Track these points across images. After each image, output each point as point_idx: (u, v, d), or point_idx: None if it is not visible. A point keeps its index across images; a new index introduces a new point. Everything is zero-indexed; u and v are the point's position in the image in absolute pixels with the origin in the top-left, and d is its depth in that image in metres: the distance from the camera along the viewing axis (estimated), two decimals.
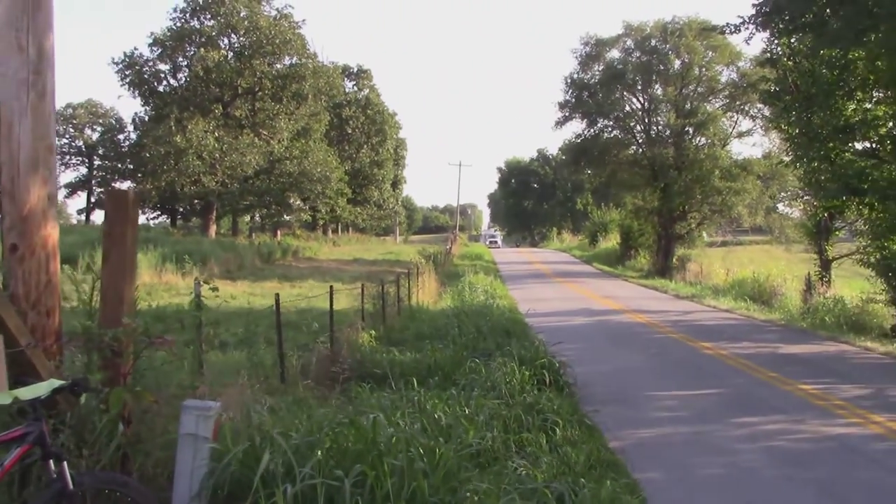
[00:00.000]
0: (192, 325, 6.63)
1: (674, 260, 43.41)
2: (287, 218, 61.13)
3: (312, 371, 10.60)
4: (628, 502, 6.14)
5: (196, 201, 54.46)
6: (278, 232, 61.72)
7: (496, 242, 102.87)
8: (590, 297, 30.21)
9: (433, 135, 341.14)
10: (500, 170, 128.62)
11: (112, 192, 5.94)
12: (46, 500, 4.11)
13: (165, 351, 5.92)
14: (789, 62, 23.12)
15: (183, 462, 5.03)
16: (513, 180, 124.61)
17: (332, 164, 58.04)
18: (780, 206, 45.51)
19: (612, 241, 60.20)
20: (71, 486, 4.15)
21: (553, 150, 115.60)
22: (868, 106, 21.52)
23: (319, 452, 4.88)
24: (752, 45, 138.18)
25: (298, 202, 56.45)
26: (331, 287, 13.75)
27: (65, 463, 4.17)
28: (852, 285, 26.84)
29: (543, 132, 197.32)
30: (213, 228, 52.68)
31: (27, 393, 4.13)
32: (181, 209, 62.71)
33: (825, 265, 26.17)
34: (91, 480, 4.38)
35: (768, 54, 24.72)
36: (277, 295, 10.53)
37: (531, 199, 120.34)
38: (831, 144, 21.96)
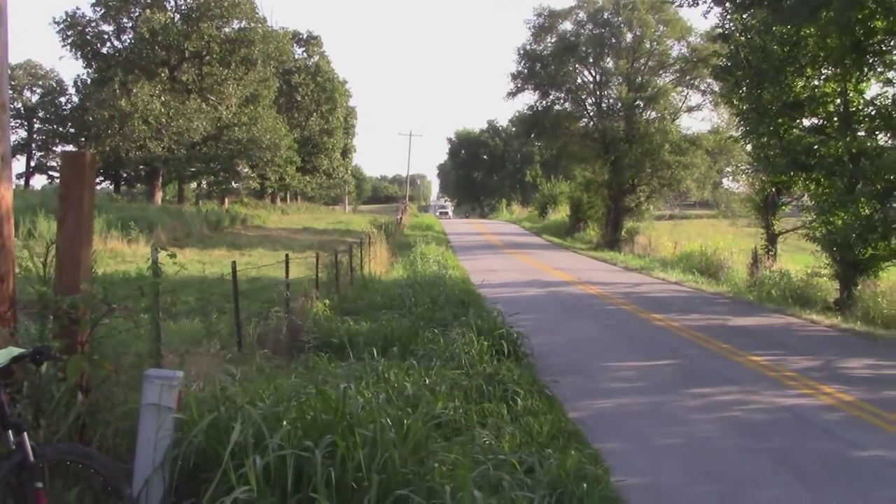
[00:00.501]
0: (151, 292, 6.42)
1: (622, 233, 43.83)
2: (235, 186, 60.19)
3: (269, 340, 10.43)
4: (593, 472, 6.14)
5: (141, 167, 53.32)
6: (226, 200, 60.77)
7: (447, 213, 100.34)
8: (541, 268, 30.36)
9: (383, 104, 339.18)
10: (450, 140, 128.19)
11: (68, 154, 5.70)
12: (5, 473, 3.92)
13: (124, 318, 5.73)
14: (742, 38, 23.35)
15: (145, 433, 4.87)
16: (462, 151, 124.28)
17: (282, 131, 57.21)
18: (726, 182, 46.26)
19: (561, 214, 60.52)
20: (32, 458, 3.99)
21: (503, 121, 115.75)
22: (817, 83, 21.84)
23: (286, 423, 4.76)
24: (705, 20, 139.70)
25: (247, 170, 55.60)
26: (286, 256, 13.55)
27: (25, 434, 4.00)
28: (796, 260, 27.45)
29: (494, 104, 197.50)
30: (158, 195, 51.65)
31: None
32: (125, 175, 61.31)
33: (771, 239, 26.65)
34: (52, 452, 4.20)
35: (721, 30, 24.93)
36: (234, 263, 10.37)
37: (481, 171, 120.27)
38: (780, 120, 22.30)
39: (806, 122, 22.77)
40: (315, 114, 75.18)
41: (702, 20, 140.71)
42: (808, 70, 21.35)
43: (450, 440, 6.08)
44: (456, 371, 8.91)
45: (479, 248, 40.75)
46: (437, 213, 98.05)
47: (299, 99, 73.69)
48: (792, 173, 22.05)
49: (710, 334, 14.95)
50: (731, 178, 45.04)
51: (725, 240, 32.03)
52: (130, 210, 38.68)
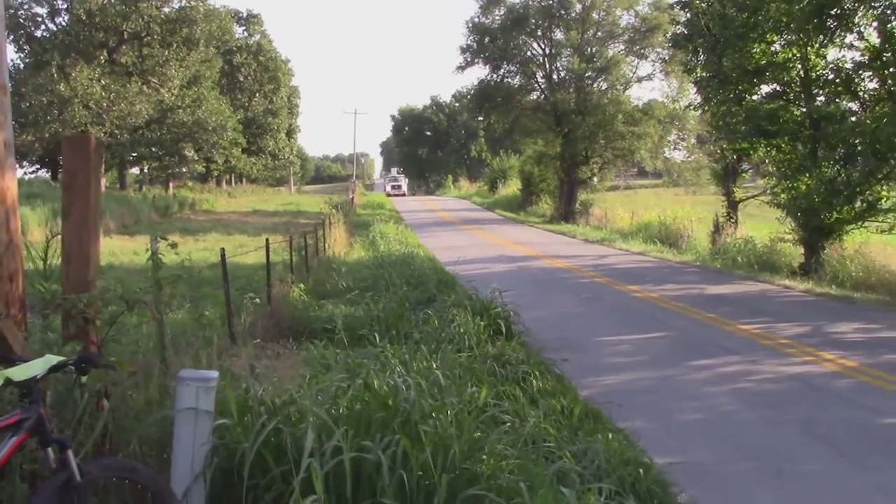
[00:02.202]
0: (168, 285, 5.98)
1: (577, 205, 43.82)
2: (181, 170, 58.80)
3: (258, 329, 10.00)
4: (634, 454, 5.92)
5: None
6: (170, 184, 59.34)
7: (399, 188, 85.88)
8: (501, 243, 30.13)
9: (324, 82, 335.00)
10: (393, 118, 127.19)
11: (71, 139, 5.21)
12: (51, 494, 3.52)
13: (138, 315, 5.32)
14: (702, 5, 23.28)
15: (182, 439, 4.46)
16: (406, 128, 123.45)
17: (226, 112, 55.96)
18: (677, 152, 46.55)
19: (512, 188, 60.34)
20: (78, 478, 3.59)
21: (446, 97, 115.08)
22: (778, 48, 21.88)
23: (341, 423, 4.40)
24: None
25: (192, 153, 54.26)
26: (266, 240, 13.06)
27: (70, 451, 3.59)
28: (757, 227, 27.62)
29: (437, 80, 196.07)
30: (101, 181, 50.13)
31: (20, 373, 3.49)
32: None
33: (733, 206, 26.76)
34: (98, 468, 3.78)
35: None
36: (223, 250, 9.87)
37: (425, 147, 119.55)
38: (741, 87, 22.33)
39: (767, 89, 22.85)
40: (258, 94, 73.81)
41: None
42: (770, 36, 21.34)
43: (488, 428, 5.78)
44: (463, 354, 8.60)
45: (434, 225, 40.38)
46: (389, 189, 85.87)
47: (242, 79, 72.23)
48: (754, 140, 22.12)
49: (692, 304, 14.88)
50: (683, 146, 45.32)
51: (684, 209, 32.11)
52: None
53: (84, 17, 46.31)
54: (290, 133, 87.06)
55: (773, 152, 22.45)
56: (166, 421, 4.72)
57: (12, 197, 4.78)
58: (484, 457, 4.86)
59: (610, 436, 6.30)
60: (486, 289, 12.77)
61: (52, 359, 3.58)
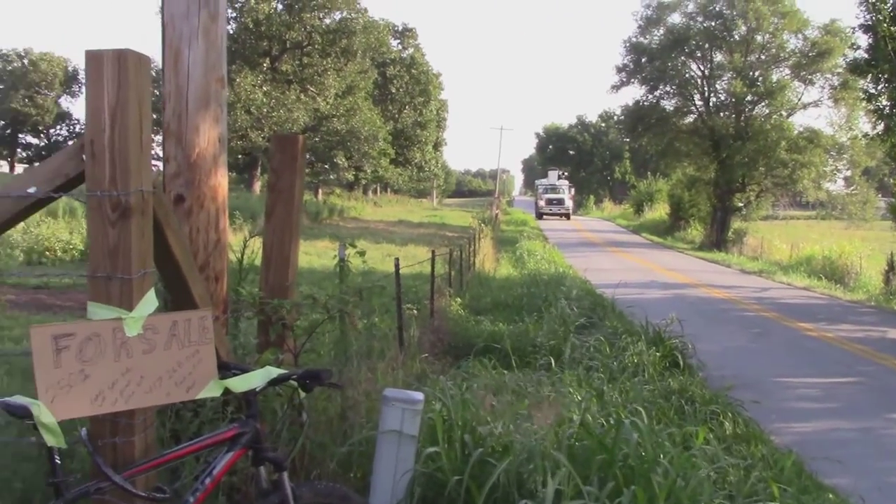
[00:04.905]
0: (353, 294, 5.72)
1: (729, 233, 42.12)
2: (332, 177, 60.17)
3: (425, 343, 9.73)
4: None
5: (240, 156, 53.66)
6: (319, 191, 60.85)
7: (561, 203, 63.47)
8: (652, 268, 29.13)
9: (470, 97, 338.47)
10: (537, 135, 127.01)
11: (280, 138, 5.02)
12: None
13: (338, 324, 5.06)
14: (891, 28, 21.70)
15: (384, 464, 4.15)
16: (550, 146, 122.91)
17: (377, 123, 56.96)
18: (837, 183, 44.16)
19: (659, 212, 58.82)
20: (292, 501, 3.30)
21: (591, 116, 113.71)
22: None
23: (563, 461, 3.96)
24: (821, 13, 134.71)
25: (344, 161, 55.42)
26: (433, 252, 12.87)
27: (285, 472, 3.31)
28: None
29: (582, 99, 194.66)
30: (257, 185, 51.88)
31: (240, 384, 3.23)
32: None
33: None
34: (309, 493, 3.46)
35: (862, 19, 23.38)
36: (397, 260, 9.67)
37: (568, 167, 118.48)
38: None
39: None
40: (408, 106, 74.83)
41: (818, 13, 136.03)
42: None
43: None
44: (646, 387, 8.04)
45: (580, 246, 39.65)
46: (542, 204, 64.38)
47: (393, 91, 73.36)
48: None
49: (877, 348, 13.70)
50: (845, 178, 42.90)
51: (852, 244, 30.19)
52: (232, 199, 38.71)
53: (251, 26, 48.12)
54: (437, 146, 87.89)
55: None
56: (362, 441, 4.43)
57: (223, 195, 4.62)
58: None
59: (830, 496, 5.60)
60: (645, 315, 12.18)
61: (273, 371, 3.30)
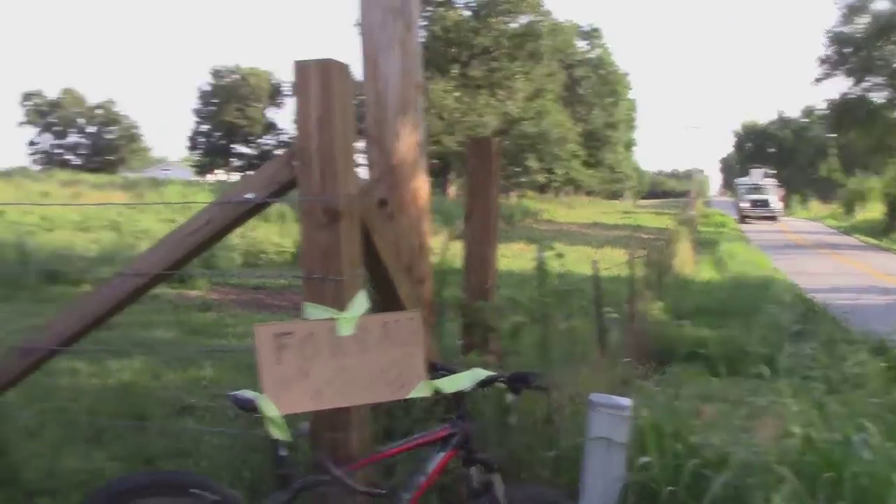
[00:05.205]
0: (555, 298, 5.67)
1: None
2: (524, 180, 60.57)
3: (627, 347, 9.49)
4: None
5: (433, 161, 55.06)
6: (510, 194, 61.40)
7: (766, 204, 57.61)
8: (868, 271, 27.07)
9: (659, 96, 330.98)
10: (735, 133, 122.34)
11: (476, 141, 5.10)
12: None
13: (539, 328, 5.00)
14: None
15: (593, 471, 4.02)
16: (748, 144, 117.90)
17: (567, 125, 56.81)
18: None
19: (873, 211, 54.77)
20: (503, 503, 3.27)
21: (792, 112, 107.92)
22: None
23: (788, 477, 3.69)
24: None
25: (535, 164, 55.67)
26: (631, 255, 12.61)
27: (497, 474, 3.28)
28: None
29: (782, 94, 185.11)
30: (451, 189, 53.07)
31: (449, 385, 3.24)
32: None
33: None
34: (521, 495, 3.42)
35: None
36: (595, 262, 9.51)
37: (768, 165, 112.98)
38: None
39: None
40: (597, 107, 74.08)
41: None
42: None
43: None
44: (872, 400, 7.41)
45: (784, 248, 37.58)
46: (746, 206, 58.66)
47: (582, 92, 72.89)
48: None
49: None
50: None
51: None
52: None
53: (440, 34, 49.35)
54: (628, 146, 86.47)
55: None
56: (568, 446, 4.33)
57: (424, 198, 4.69)
58: None
59: None
60: (863, 323, 11.32)
61: (481, 373, 3.28)
